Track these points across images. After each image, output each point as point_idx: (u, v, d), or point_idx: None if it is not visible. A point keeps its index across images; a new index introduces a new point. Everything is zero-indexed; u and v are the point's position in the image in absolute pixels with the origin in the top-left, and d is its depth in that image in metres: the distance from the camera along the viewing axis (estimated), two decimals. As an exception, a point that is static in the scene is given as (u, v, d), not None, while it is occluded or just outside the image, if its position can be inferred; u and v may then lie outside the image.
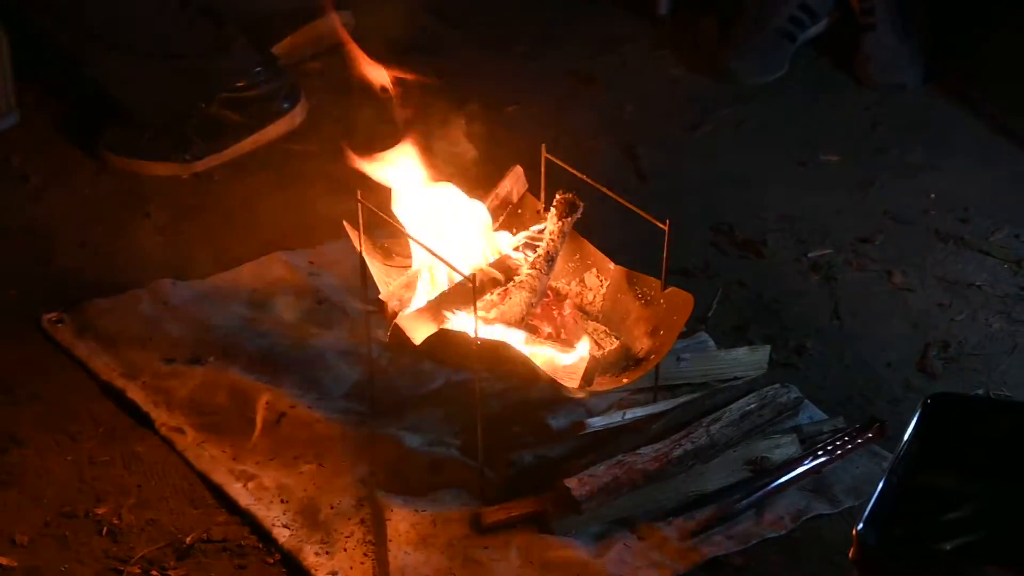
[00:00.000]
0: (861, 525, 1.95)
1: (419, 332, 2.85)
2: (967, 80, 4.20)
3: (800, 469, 2.89)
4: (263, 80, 3.86)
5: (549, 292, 2.99)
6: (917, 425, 2.11)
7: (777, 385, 3.02)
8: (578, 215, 2.96)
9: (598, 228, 3.11)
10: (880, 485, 2.00)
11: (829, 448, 2.92)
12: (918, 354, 3.24)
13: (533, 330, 2.92)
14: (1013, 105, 4.08)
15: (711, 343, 3.22)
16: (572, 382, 2.80)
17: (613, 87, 4.22)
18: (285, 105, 3.90)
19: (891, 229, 3.65)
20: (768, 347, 3.14)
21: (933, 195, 3.77)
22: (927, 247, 3.59)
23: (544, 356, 2.87)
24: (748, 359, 3.11)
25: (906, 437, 2.09)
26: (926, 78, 4.21)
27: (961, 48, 4.26)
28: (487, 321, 2.88)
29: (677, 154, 3.95)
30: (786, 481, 2.87)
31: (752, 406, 2.96)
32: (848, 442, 2.94)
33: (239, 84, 3.82)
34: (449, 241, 2.94)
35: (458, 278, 2.85)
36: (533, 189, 3.13)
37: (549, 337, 2.92)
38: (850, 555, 1.98)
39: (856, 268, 3.52)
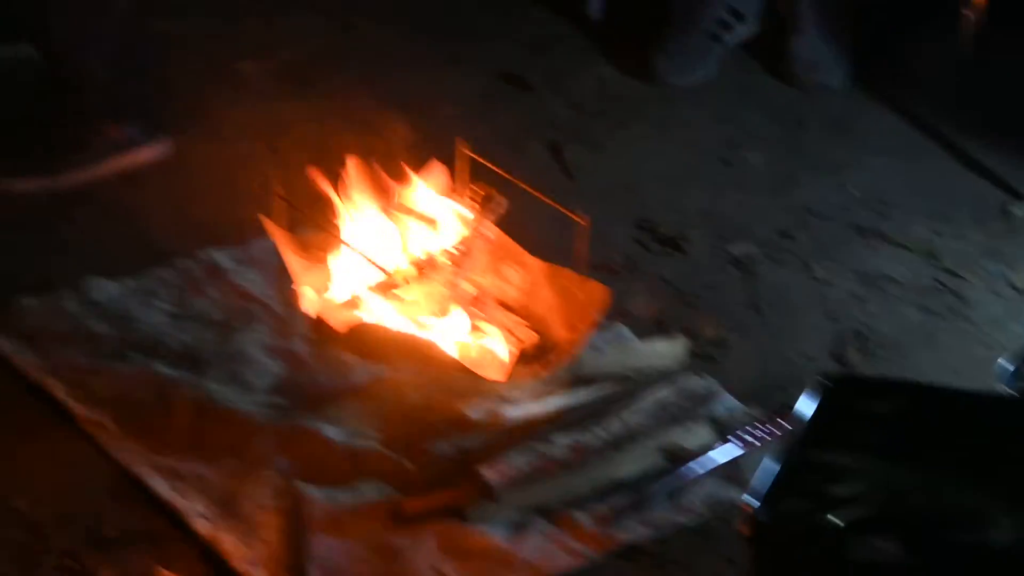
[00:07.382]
0: (753, 501, 1.99)
1: (340, 322, 2.89)
2: (893, 82, 4.25)
3: (717, 460, 2.92)
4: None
5: (469, 285, 3.03)
6: (809, 404, 2.14)
7: (692, 374, 3.07)
8: (500, 210, 3.00)
9: (523, 225, 3.15)
10: (772, 462, 2.03)
11: (745, 437, 2.96)
12: (835, 345, 3.29)
13: (453, 322, 2.96)
14: (938, 107, 4.13)
15: (629, 335, 3.26)
16: (497, 374, 2.83)
17: (543, 88, 4.25)
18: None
19: (812, 224, 3.70)
20: (684, 339, 3.17)
21: (855, 192, 3.82)
22: (846, 242, 3.64)
23: (465, 348, 2.90)
24: (666, 350, 3.15)
25: (799, 416, 2.13)
26: (852, 79, 4.26)
27: (888, 50, 4.31)
28: (406, 314, 2.91)
29: (604, 153, 3.99)
30: (703, 472, 2.91)
31: (667, 394, 3.00)
32: (763, 430, 2.98)
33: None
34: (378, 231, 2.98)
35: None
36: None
37: (472, 328, 2.96)
38: (742, 531, 2.01)
39: (776, 262, 3.56)
